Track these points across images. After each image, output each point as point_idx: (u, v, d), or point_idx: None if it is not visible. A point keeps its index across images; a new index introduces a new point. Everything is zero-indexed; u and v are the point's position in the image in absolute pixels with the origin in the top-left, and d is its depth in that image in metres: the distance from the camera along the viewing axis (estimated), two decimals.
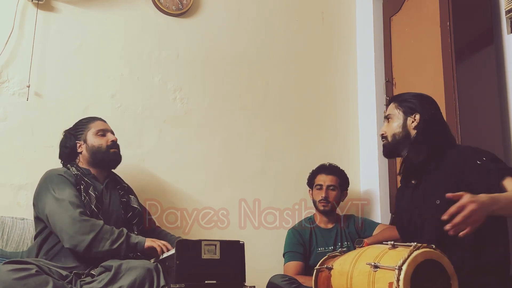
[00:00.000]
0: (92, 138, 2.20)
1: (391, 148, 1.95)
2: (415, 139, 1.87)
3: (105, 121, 2.30)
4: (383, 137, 1.97)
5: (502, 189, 1.60)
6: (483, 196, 1.48)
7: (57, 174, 2.07)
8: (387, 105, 2.05)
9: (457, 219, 1.42)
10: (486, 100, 2.64)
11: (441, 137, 1.87)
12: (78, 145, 2.21)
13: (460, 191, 1.53)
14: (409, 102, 1.92)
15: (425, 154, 1.85)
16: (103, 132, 2.22)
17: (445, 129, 1.91)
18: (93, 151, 2.18)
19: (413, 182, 1.90)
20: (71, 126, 2.27)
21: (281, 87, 3.04)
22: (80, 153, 2.21)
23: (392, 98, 2.03)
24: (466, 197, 1.45)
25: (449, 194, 1.49)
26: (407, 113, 1.90)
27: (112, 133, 2.28)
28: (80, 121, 2.27)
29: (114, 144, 2.23)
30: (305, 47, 3.16)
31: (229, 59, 2.94)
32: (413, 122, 1.89)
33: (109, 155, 2.20)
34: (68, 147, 2.21)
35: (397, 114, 1.93)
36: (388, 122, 1.96)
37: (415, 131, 1.87)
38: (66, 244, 1.90)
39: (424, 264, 1.42)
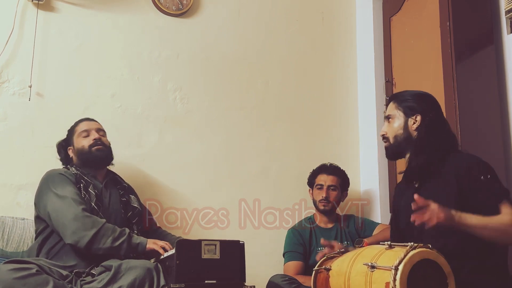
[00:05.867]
0: (76, 141, 2.22)
1: (393, 150, 1.92)
2: (417, 141, 1.84)
3: (92, 120, 2.29)
4: (384, 137, 1.94)
5: (498, 211, 1.60)
6: (452, 211, 1.56)
7: (57, 173, 2.09)
8: (387, 104, 2.03)
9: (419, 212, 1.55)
10: (486, 100, 2.63)
11: (443, 137, 1.84)
12: (70, 150, 2.24)
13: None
14: (409, 102, 1.89)
15: (427, 157, 1.81)
16: (86, 133, 2.22)
17: (447, 129, 1.89)
18: (78, 153, 2.20)
19: (415, 184, 1.87)
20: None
21: (281, 87, 3.04)
22: (72, 157, 2.23)
23: (391, 97, 2.00)
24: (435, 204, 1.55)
25: (417, 197, 1.56)
26: (408, 113, 1.87)
27: (98, 130, 2.25)
28: (70, 127, 2.29)
29: (97, 142, 2.20)
30: (305, 47, 3.15)
31: (229, 59, 2.94)
32: (414, 123, 1.86)
33: (92, 154, 2.19)
34: (63, 158, 2.25)
35: (397, 115, 1.90)
36: (389, 122, 1.93)
37: (416, 132, 1.85)
38: (68, 240, 1.91)
39: (420, 264, 1.42)
